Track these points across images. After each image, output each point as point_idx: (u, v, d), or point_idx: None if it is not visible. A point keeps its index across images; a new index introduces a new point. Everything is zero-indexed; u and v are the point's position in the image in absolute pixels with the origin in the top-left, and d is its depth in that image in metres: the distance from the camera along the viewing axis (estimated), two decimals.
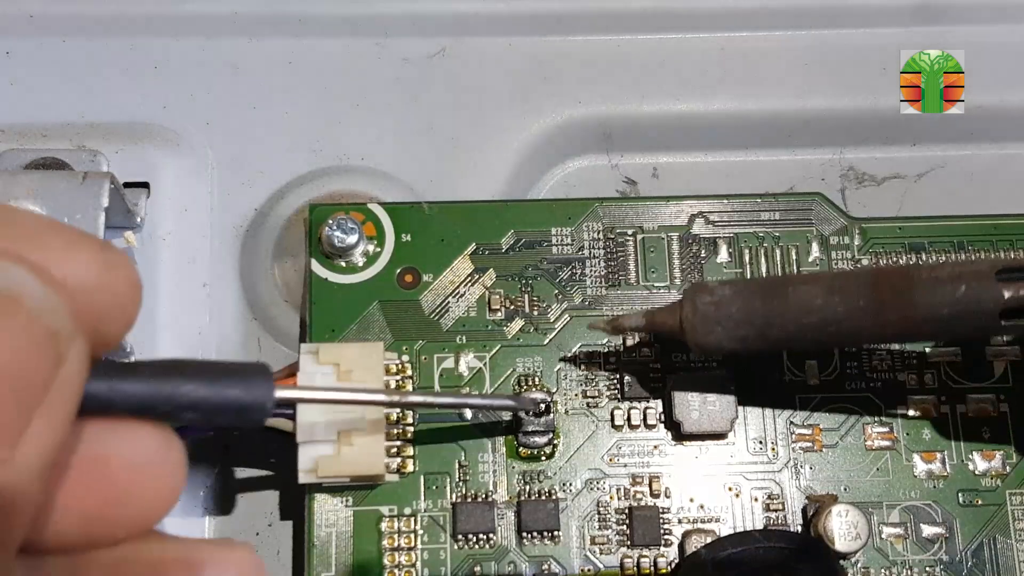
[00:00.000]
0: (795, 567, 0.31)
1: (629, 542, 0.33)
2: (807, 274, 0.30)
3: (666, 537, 0.33)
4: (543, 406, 0.33)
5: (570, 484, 0.33)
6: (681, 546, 0.33)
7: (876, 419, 0.34)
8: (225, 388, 0.24)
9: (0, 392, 0.17)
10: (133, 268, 0.20)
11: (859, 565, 0.33)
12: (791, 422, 0.34)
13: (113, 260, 0.20)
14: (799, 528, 0.33)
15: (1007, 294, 0.28)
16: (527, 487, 0.33)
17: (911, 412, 0.34)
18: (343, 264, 0.35)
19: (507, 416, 0.34)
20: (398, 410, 0.33)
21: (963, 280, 0.28)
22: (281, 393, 0.26)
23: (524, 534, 0.33)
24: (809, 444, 0.34)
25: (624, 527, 0.33)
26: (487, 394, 0.34)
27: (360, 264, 0.35)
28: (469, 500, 0.33)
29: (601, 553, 0.33)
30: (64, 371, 0.18)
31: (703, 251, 0.36)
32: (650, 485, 0.33)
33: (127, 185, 0.37)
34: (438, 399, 0.32)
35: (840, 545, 0.32)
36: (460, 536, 0.32)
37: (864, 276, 0.29)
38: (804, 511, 0.33)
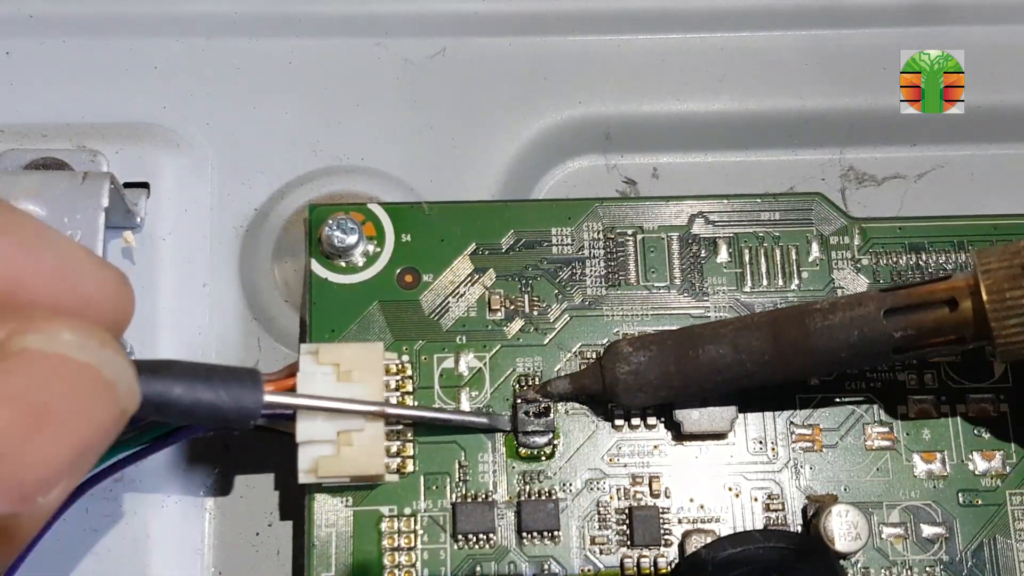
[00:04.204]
0: (795, 567, 0.31)
1: (629, 542, 0.33)
2: (712, 330, 0.32)
3: (666, 537, 0.33)
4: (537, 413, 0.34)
5: (570, 484, 0.33)
6: (681, 546, 0.33)
7: (876, 419, 0.34)
8: (215, 392, 0.24)
9: (71, 454, 0.19)
10: (129, 283, 0.23)
11: (859, 565, 0.33)
12: (791, 422, 0.34)
13: (122, 277, 0.22)
14: (799, 528, 0.33)
15: (897, 334, 0.30)
16: (527, 487, 0.33)
17: (911, 412, 0.34)
18: (343, 264, 0.35)
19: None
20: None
21: (855, 326, 0.31)
22: (270, 398, 0.27)
23: (524, 534, 0.33)
24: (809, 444, 0.34)
25: (624, 527, 0.33)
26: (464, 411, 0.34)
27: (360, 264, 0.35)
28: (469, 500, 0.33)
29: (601, 553, 0.33)
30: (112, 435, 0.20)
31: (703, 251, 0.36)
32: (650, 485, 0.33)
33: (127, 185, 0.37)
34: (418, 412, 0.33)
35: (840, 545, 0.32)
36: (460, 536, 0.32)
37: (764, 329, 0.31)
38: (804, 511, 0.33)
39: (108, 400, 0.20)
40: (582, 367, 0.34)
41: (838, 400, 0.34)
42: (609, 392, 0.32)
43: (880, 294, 0.31)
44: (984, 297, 0.29)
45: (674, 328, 0.33)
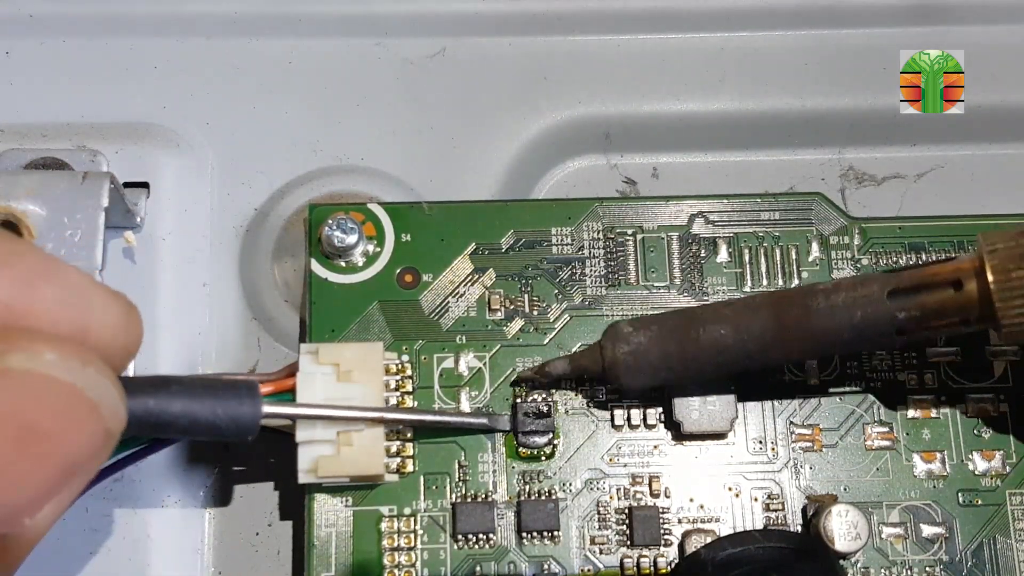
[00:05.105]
0: (795, 567, 0.31)
1: (629, 542, 0.33)
2: (713, 311, 0.32)
3: (666, 537, 0.33)
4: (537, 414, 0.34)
5: (570, 484, 0.33)
6: (681, 546, 0.33)
7: (876, 419, 0.34)
8: (212, 410, 0.24)
9: (55, 474, 0.19)
10: (138, 312, 0.23)
11: (859, 565, 0.33)
12: (791, 422, 0.34)
13: (131, 306, 0.23)
14: (799, 528, 0.33)
15: (901, 316, 0.30)
16: (527, 487, 0.33)
17: (911, 412, 0.34)
18: (343, 264, 0.35)
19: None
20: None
21: (858, 306, 0.30)
22: (268, 409, 0.27)
23: (524, 534, 0.33)
24: (809, 444, 0.34)
25: (624, 527, 0.33)
26: (463, 412, 0.34)
27: (360, 264, 0.35)
28: (469, 500, 0.33)
29: (601, 553, 0.33)
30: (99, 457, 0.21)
31: (703, 251, 0.36)
32: (650, 485, 0.33)
33: (127, 185, 0.37)
34: (417, 416, 0.33)
35: (840, 545, 0.32)
36: (460, 536, 0.32)
37: (766, 310, 0.31)
38: (804, 511, 0.33)
39: (91, 420, 0.20)
40: None
41: (838, 400, 0.34)
42: (609, 373, 0.32)
43: (884, 275, 0.31)
44: (989, 277, 0.29)
45: (675, 310, 0.33)
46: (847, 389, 0.35)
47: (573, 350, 0.35)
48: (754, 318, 0.31)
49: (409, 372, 0.34)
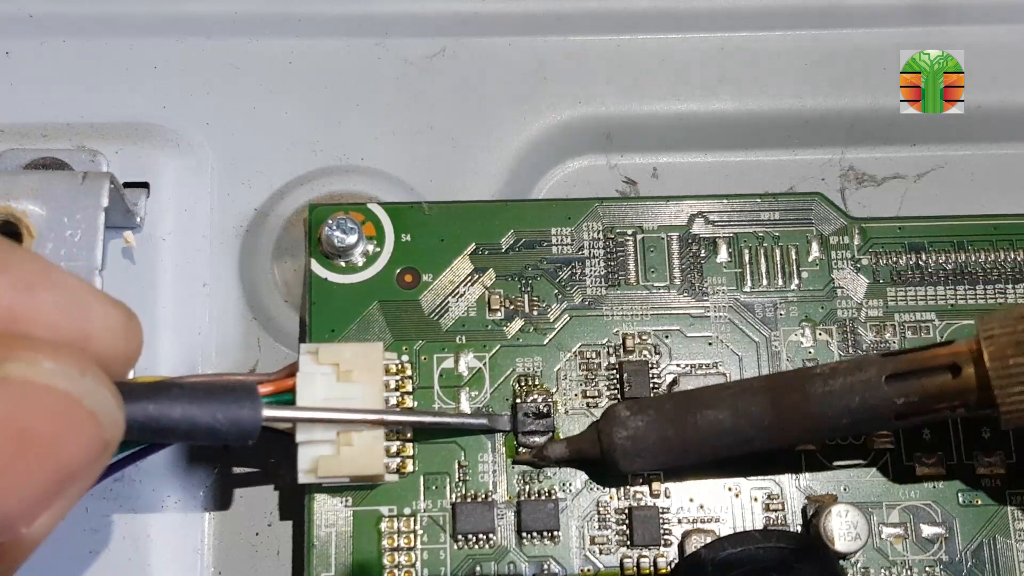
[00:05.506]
0: (795, 567, 0.31)
1: (629, 542, 0.33)
2: (711, 394, 0.32)
3: (666, 537, 0.33)
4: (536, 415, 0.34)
5: (570, 484, 0.33)
6: (681, 546, 0.33)
7: None
8: (213, 412, 0.24)
9: (52, 483, 0.19)
10: (138, 320, 0.23)
11: (859, 565, 0.33)
12: None
13: (131, 314, 0.23)
14: (799, 528, 0.33)
15: (899, 401, 0.30)
16: (527, 487, 0.33)
17: None
18: (343, 264, 0.35)
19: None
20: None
21: (856, 392, 0.30)
22: (268, 412, 0.27)
23: (524, 534, 0.33)
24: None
25: (624, 527, 0.33)
26: (463, 412, 0.34)
27: (360, 264, 0.35)
28: (469, 500, 0.33)
29: (601, 553, 0.33)
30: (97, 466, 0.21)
31: (703, 251, 0.36)
32: (650, 485, 0.33)
33: (127, 185, 0.37)
34: (417, 418, 0.33)
35: (840, 545, 0.32)
36: (460, 536, 0.32)
37: (763, 394, 0.31)
38: (804, 511, 0.33)
39: (89, 429, 0.20)
40: (581, 368, 0.34)
41: None
42: (607, 457, 0.32)
43: (881, 359, 0.30)
44: (987, 364, 0.29)
45: (672, 392, 0.33)
46: None
47: (573, 350, 0.35)
48: (752, 403, 0.31)
49: (409, 372, 0.34)
